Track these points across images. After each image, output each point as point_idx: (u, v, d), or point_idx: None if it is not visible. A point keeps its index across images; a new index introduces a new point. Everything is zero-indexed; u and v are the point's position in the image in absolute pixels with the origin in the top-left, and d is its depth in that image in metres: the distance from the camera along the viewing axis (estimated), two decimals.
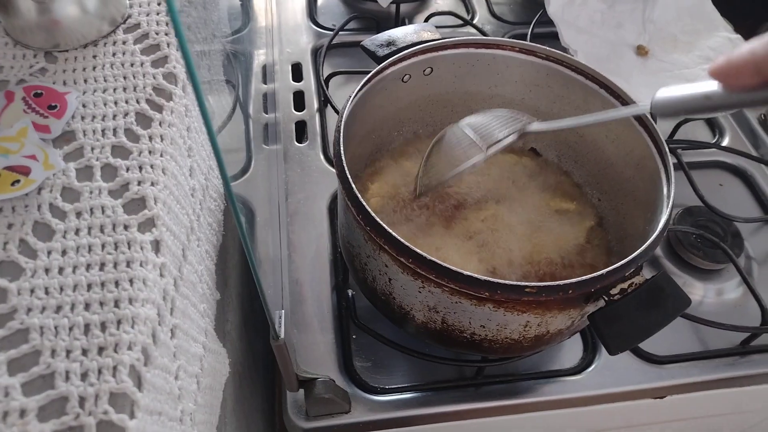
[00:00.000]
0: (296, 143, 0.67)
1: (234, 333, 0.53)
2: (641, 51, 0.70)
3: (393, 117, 0.56)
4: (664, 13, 0.73)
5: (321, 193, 0.63)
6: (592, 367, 0.52)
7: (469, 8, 0.85)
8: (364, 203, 0.40)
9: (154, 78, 0.37)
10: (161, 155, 0.34)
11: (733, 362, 0.54)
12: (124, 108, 0.36)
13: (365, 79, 0.48)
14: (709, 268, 0.58)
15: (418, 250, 0.37)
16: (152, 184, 0.32)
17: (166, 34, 0.41)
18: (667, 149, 0.45)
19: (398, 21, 0.79)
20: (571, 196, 0.56)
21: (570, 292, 0.38)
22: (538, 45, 0.52)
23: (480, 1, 0.86)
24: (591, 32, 0.71)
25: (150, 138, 0.34)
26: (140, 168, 0.33)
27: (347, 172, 0.42)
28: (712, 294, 0.59)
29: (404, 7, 0.81)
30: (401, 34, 0.53)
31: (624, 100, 0.49)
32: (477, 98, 0.57)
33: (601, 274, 0.38)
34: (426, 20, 0.77)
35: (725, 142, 0.70)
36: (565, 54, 0.52)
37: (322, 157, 0.66)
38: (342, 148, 0.43)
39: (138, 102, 0.36)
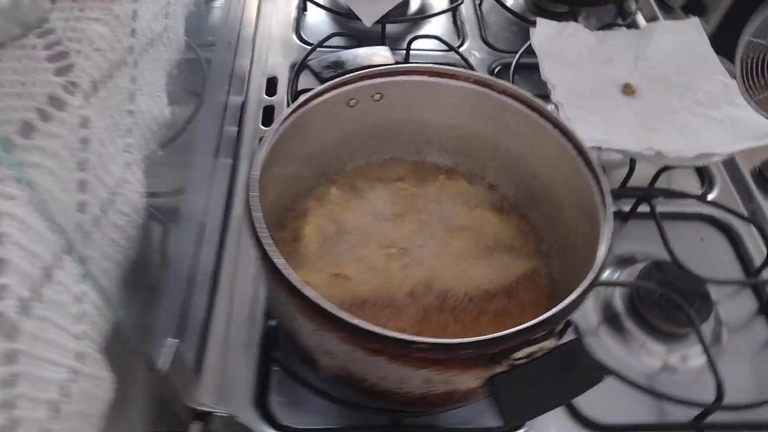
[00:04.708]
0: None
1: None
2: (627, 90, 0.65)
3: (340, 142, 0.53)
4: (658, 51, 0.68)
5: None
6: (524, 428, 0.48)
7: (461, 33, 0.82)
8: (263, 240, 0.37)
9: (53, 87, 0.36)
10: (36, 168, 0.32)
11: None
12: (10, 117, 0.34)
13: (298, 102, 0.45)
14: (672, 332, 0.53)
15: (305, 291, 0.34)
16: (9, 199, 0.30)
17: (80, 42, 0.39)
18: (609, 201, 0.41)
19: (384, 42, 0.77)
20: (521, 237, 0.52)
21: (470, 351, 0.34)
22: (494, 78, 0.49)
23: (474, 27, 0.83)
24: (577, 66, 0.67)
25: (26, 150, 0.33)
26: (1, 181, 0.31)
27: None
28: (676, 359, 0.54)
29: (391, 28, 0.79)
30: (351, 56, 0.51)
31: (575, 143, 0.45)
32: (433, 127, 0.54)
33: (504, 335, 0.34)
34: (408, 44, 0.74)
35: (714, 194, 0.65)
36: (520, 90, 0.48)
37: None
38: (254, 213, 0.38)
39: (26, 111, 0.34)
